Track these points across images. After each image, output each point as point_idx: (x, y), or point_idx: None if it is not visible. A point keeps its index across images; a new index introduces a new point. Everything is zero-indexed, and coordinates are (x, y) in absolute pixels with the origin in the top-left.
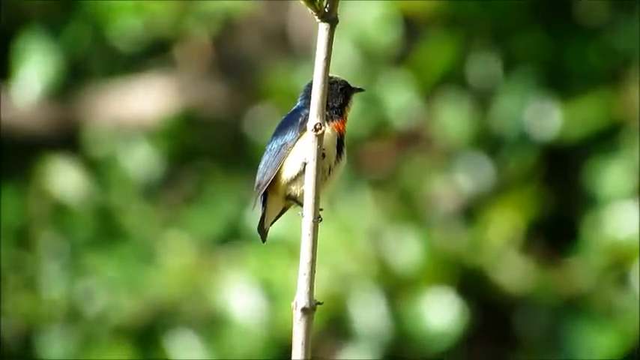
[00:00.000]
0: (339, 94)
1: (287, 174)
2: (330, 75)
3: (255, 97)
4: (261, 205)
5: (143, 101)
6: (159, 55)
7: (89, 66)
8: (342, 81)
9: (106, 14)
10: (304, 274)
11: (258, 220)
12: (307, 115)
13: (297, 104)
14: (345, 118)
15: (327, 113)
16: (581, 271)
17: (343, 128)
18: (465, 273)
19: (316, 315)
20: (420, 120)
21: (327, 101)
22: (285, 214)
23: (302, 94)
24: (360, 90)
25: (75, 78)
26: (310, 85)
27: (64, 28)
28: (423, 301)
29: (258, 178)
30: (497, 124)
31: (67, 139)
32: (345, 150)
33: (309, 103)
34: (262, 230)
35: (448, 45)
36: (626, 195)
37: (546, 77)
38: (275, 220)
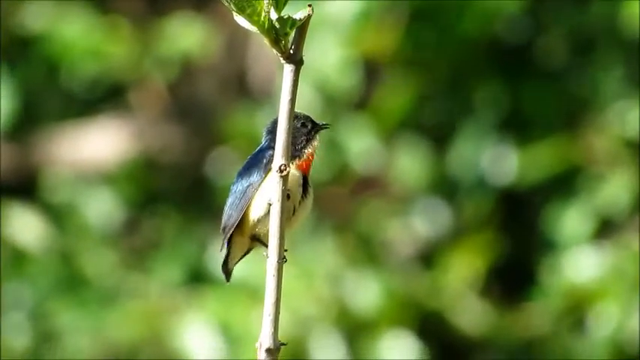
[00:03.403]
0: (302, 133)
1: (253, 215)
2: (296, 112)
3: (214, 140)
4: (225, 245)
5: (99, 145)
6: (114, 98)
7: (44, 109)
8: (306, 117)
9: (62, 56)
10: (269, 315)
11: (222, 260)
12: (272, 155)
13: (262, 144)
14: (310, 156)
15: (292, 152)
16: (539, 315)
17: (308, 167)
18: (423, 316)
19: (278, 357)
20: (379, 164)
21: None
22: (248, 255)
23: (265, 132)
24: (325, 127)
25: (30, 121)
26: (273, 123)
27: (20, 67)
28: (382, 343)
29: (224, 220)
30: (454, 169)
31: (23, 183)
32: (311, 190)
33: (273, 141)
34: (226, 270)
35: (406, 89)
36: (584, 239)
37: (503, 121)
38: (239, 260)
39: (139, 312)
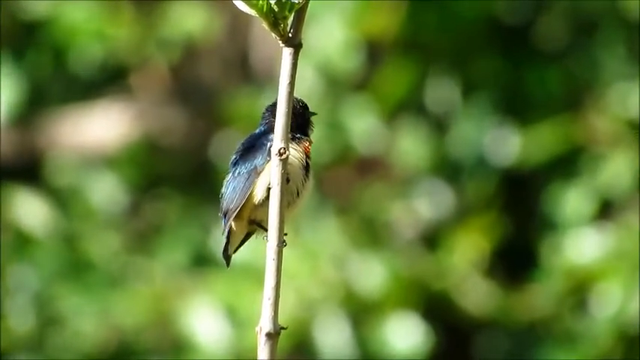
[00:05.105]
0: (300, 115)
1: (254, 199)
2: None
3: (217, 123)
4: (225, 230)
5: (102, 128)
6: (117, 81)
7: (47, 92)
8: (302, 102)
9: (67, 40)
10: (268, 299)
11: (223, 245)
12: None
13: (260, 128)
14: (310, 139)
15: (292, 135)
16: (542, 296)
17: (308, 150)
18: (428, 297)
19: (282, 339)
20: (381, 145)
21: (292, 123)
22: (250, 239)
23: (264, 117)
24: (312, 114)
25: (33, 105)
26: (271, 108)
27: (26, 53)
28: (387, 325)
29: (226, 204)
30: (455, 150)
31: (27, 167)
32: (311, 173)
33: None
34: (226, 255)
35: (407, 70)
36: (586, 220)
37: (505, 102)
38: (240, 246)
39: (144, 295)
